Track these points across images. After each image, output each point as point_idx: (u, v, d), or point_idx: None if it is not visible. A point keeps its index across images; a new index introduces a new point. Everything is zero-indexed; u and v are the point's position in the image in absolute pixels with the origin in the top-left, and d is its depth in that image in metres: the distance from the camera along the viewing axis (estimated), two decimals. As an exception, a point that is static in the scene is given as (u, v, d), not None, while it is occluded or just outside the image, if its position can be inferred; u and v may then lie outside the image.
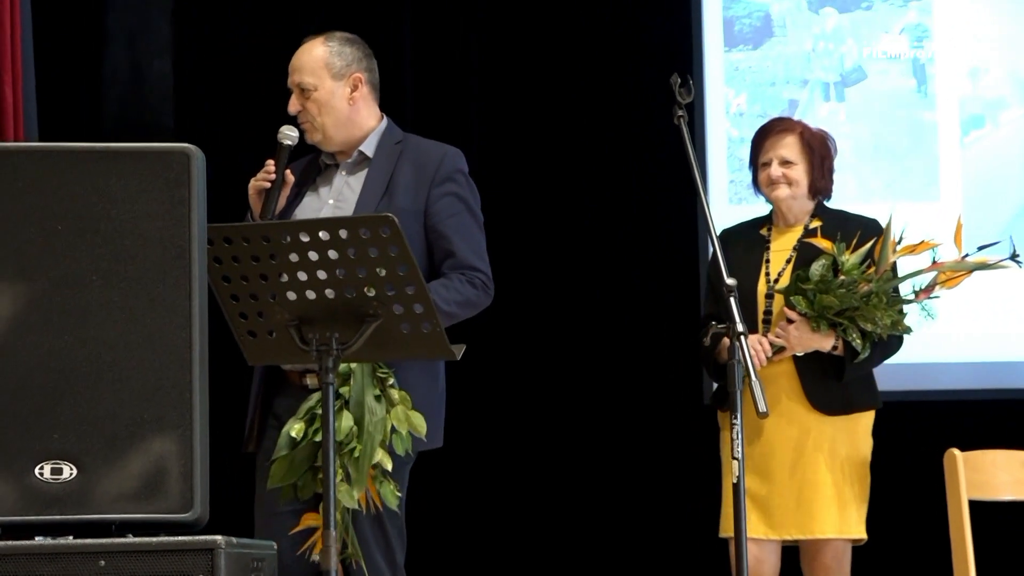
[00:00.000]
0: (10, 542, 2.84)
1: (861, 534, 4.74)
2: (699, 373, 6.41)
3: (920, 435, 6.17)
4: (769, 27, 6.65)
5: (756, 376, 3.78)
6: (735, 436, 3.75)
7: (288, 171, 4.32)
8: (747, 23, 6.64)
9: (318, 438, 3.92)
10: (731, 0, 6.62)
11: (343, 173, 4.40)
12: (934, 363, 6.45)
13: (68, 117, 6.11)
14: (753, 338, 4.57)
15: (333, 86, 4.35)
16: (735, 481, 3.70)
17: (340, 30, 4.45)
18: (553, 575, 6.52)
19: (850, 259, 4.65)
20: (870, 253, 4.69)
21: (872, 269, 4.66)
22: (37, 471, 2.87)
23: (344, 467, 3.98)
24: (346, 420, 4.01)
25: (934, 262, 4.73)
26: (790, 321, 4.65)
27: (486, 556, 6.50)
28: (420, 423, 4.10)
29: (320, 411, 3.79)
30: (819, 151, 4.83)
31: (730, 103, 6.59)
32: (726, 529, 4.76)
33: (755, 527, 4.61)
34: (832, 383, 4.71)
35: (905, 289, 4.75)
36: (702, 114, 6.52)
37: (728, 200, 6.48)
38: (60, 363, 2.89)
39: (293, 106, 4.35)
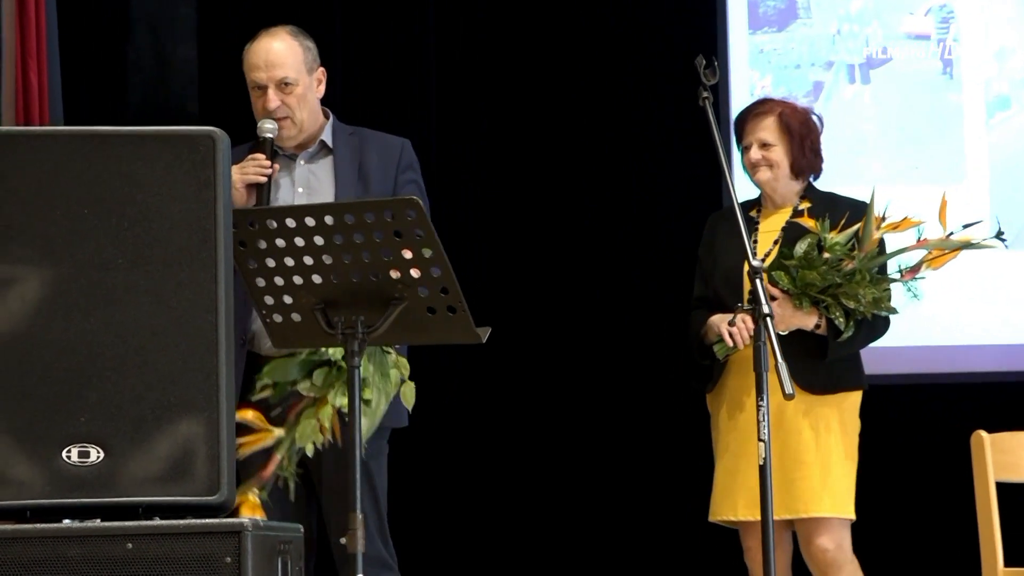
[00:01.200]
0: (38, 525, 2.86)
1: (850, 514, 4.68)
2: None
3: (947, 417, 6.16)
4: (794, 9, 6.63)
5: (782, 358, 3.76)
6: (761, 418, 3.74)
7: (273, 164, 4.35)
8: (772, 5, 6.62)
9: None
10: (756, -18, 6.61)
11: (302, 163, 4.43)
12: (961, 345, 6.44)
13: (93, 103, 6.12)
14: (738, 316, 4.56)
15: (308, 80, 4.40)
16: (761, 463, 3.69)
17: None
18: (551, 564, 6.51)
19: (835, 238, 4.61)
20: (856, 234, 4.64)
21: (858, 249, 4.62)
22: (64, 454, 2.89)
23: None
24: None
25: (919, 240, 4.67)
26: (773, 299, 4.58)
27: (485, 547, 6.49)
28: (411, 394, 4.05)
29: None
30: (799, 131, 4.79)
31: (755, 86, 6.57)
32: (716, 513, 4.74)
33: (747, 509, 4.59)
34: (817, 362, 4.65)
35: (891, 268, 4.71)
36: (727, 97, 6.50)
37: (752, 184, 6.46)
38: (86, 347, 2.90)
39: (273, 102, 4.33)
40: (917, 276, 4.67)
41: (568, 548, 6.52)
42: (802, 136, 4.80)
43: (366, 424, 3.85)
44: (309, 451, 3.89)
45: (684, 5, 6.65)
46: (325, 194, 4.34)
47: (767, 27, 6.61)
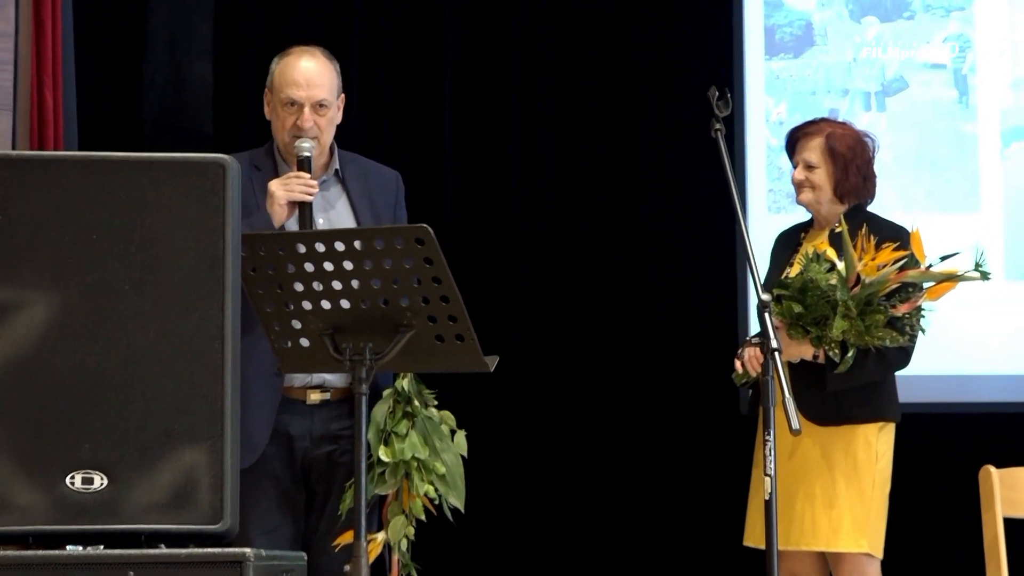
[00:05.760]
0: (40, 551, 2.85)
1: (859, 547, 4.61)
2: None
3: (956, 448, 6.14)
4: (810, 36, 6.62)
5: (790, 393, 3.74)
6: (768, 453, 3.72)
7: None
8: (788, 32, 6.61)
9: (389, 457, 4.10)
10: (772, 8, 6.60)
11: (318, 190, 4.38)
12: (972, 375, 6.42)
13: (108, 120, 6.12)
14: (747, 350, 4.53)
15: (336, 105, 4.37)
16: (767, 498, 3.67)
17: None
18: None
19: (821, 268, 4.54)
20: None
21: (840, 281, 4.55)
22: (68, 480, 2.88)
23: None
24: (415, 437, 4.14)
25: (899, 271, 4.56)
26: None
27: (515, 560, 6.49)
28: (463, 443, 4.23)
29: (391, 427, 4.08)
30: (844, 154, 4.74)
31: (770, 112, 6.57)
32: (749, 538, 4.73)
33: (760, 537, 4.56)
34: (823, 393, 4.60)
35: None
36: (742, 123, 6.50)
37: (767, 209, 6.46)
38: (92, 372, 2.90)
39: (308, 121, 4.29)
40: (923, 309, 4.62)
41: (598, 553, 6.52)
42: (847, 160, 4.74)
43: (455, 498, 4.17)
44: (404, 545, 4.10)
45: (701, 30, 6.65)
46: (345, 222, 4.30)
47: (783, 53, 6.61)
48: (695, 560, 6.44)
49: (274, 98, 4.33)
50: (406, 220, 4.43)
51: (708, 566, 6.34)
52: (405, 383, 4.16)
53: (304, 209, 4.17)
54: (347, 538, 3.91)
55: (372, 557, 3.97)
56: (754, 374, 4.51)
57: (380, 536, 4.09)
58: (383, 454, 4.10)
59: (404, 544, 4.11)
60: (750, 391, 4.81)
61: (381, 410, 4.15)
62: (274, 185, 4.20)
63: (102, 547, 2.86)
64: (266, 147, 4.40)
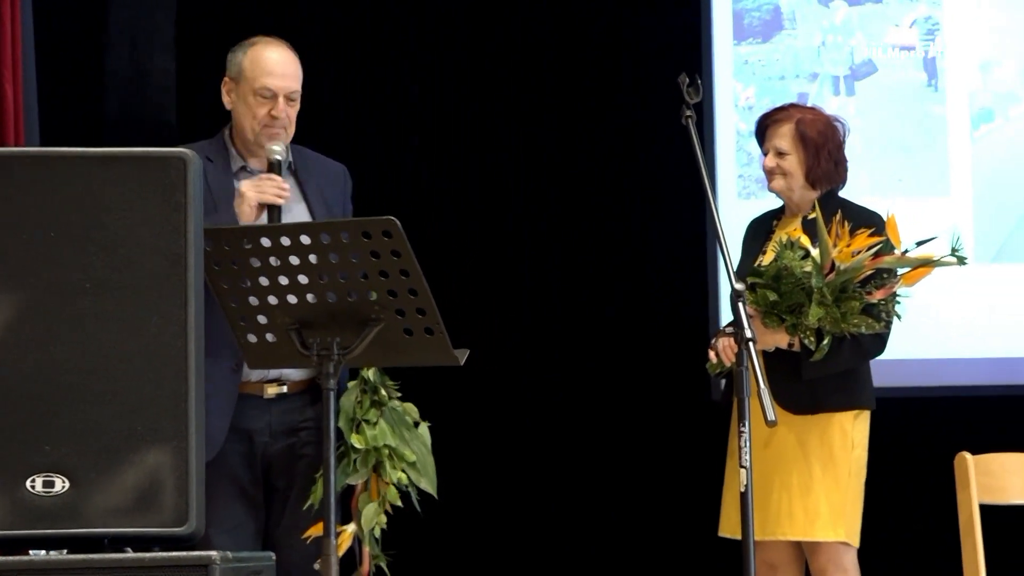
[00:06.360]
0: (1, 557, 2.80)
1: (836, 536, 4.58)
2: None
3: (930, 433, 6.13)
4: (779, 20, 6.59)
5: (765, 384, 3.71)
6: (743, 444, 3.69)
7: None
8: (756, 16, 6.58)
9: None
10: (740, -7, 6.58)
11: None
12: (943, 359, 6.41)
13: (70, 115, 6.06)
14: (720, 340, 4.51)
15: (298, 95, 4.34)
16: (742, 490, 3.64)
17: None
18: (556, 572, 6.47)
19: (795, 255, 4.51)
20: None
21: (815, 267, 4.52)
22: (29, 484, 2.82)
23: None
24: (384, 425, 4.11)
25: (874, 257, 4.51)
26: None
27: (490, 553, 6.46)
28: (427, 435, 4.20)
29: (360, 415, 4.06)
30: (815, 140, 4.70)
31: (739, 96, 6.54)
32: (724, 528, 4.70)
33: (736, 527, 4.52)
34: (798, 381, 4.55)
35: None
36: (711, 108, 6.47)
37: (737, 195, 6.43)
38: (52, 374, 2.84)
39: (283, 111, 4.24)
40: (898, 295, 4.59)
41: (572, 545, 6.50)
42: (818, 145, 4.70)
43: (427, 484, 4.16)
44: (377, 532, 4.07)
45: (669, 15, 6.63)
46: (301, 218, 4.23)
47: (752, 38, 6.58)
48: (673, 551, 6.43)
49: (242, 87, 4.26)
50: (351, 215, 4.36)
51: (688, 557, 6.31)
52: (370, 373, 4.12)
53: (272, 212, 4.11)
54: (317, 530, 3.88)
55: (342, 550, 3.95)
56: (728, 364, 4.47)
57: (350, 528, 4.06)
58: (355, 441, 4.06)
59: (377, 532, 4.08)
60: (723, 381, 4.77)
61: (349, 399, 4.11)
62: (245, 186, 4.14)
63: (65, 552, 2.81)
64: (217, 138, 4.32)
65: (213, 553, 2.68)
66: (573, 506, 6.52)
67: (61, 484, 2.82)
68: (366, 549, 4.06)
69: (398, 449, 4.11)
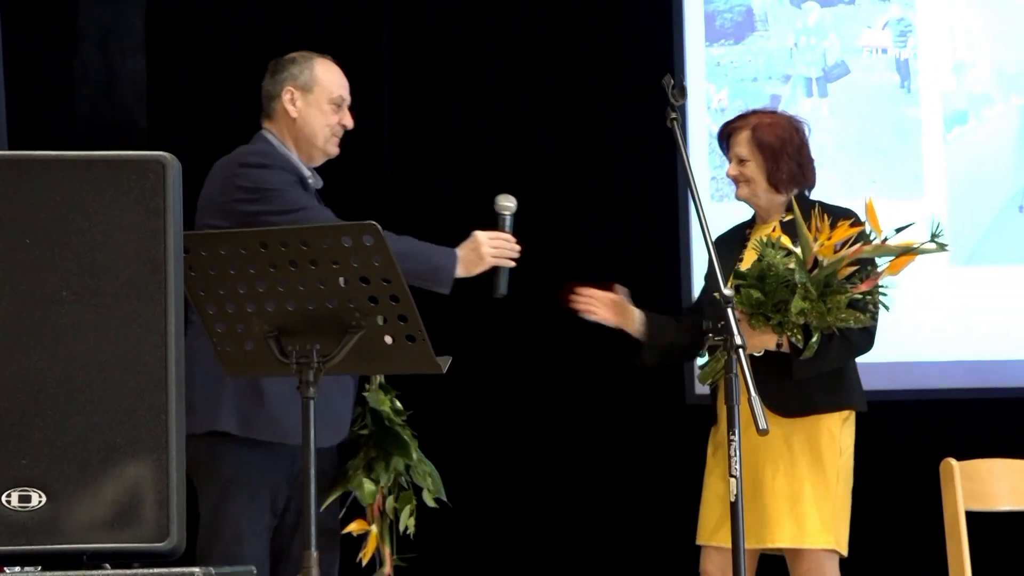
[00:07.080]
0: (-24, 574, 2.73)
1: (826, 544, 4.53)
2: (681, 373, 6.34)
3: (916, 438, 6.11)
4: (751, 22, 6.57)
5: (755, 392, 3.66)
6: (732, 453, 3.64)
7: None
8: (728, 18, 6.56)
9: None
10: (713, -6, 6.56)
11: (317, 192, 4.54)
12: (927, 362, 6.40)
13: (39, 117, 6.02)
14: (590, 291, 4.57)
15: None
16: (733, 500, 3.59)
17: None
18: (556, 572, 6.45)
19: (777, 253, 4.47)
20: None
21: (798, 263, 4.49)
22: (4, 498, 2.74)
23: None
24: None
25: (854, 247, 4.46)
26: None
27: (490, 553, 6.44)
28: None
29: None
30: (772, 144, 4.69)
31: (711, 98, 6.53)
32: (702, 536, 4.65)
33: (724, 536, 4.46)
34: (787, 383, 4.52)
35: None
36: (683, 110, 6.43)
37: (710, 197, 6.39)
38: (28, 384, 2.76)
39: (351, 121, 4.48)
40: (882, 285, 4.54)
41: (549, 549, 6.50)
42: (776, 149, 4.68)
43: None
44: (411, 532, 4.28)
45: (641, 17, 6.61)
46: None
47: (724, 40, 6.56)
48: (651, 558, 6.41)
49: (316, 96, 4.43)
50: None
51: (663, 563, 6.29)
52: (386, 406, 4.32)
53: (499, 273, 4.28)
54: (362, 526, 3.95)
55: (368, 555, 4.16)
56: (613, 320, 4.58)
57: (374, 529, 4.09)
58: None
59: (406, 527, 4.21)
60: (709, 385, 4.72)
61: (382, 397, 4.25)
62: (483, 239, 4.28)
63: (40, 569, 2.73)
64: (266, 142, 4.43)
65: (196, 569, 2.61)
66: (573, 506, 6.52)
67: (38, 499, 2.74)
68: (387, 550, 4.08)
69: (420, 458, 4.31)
